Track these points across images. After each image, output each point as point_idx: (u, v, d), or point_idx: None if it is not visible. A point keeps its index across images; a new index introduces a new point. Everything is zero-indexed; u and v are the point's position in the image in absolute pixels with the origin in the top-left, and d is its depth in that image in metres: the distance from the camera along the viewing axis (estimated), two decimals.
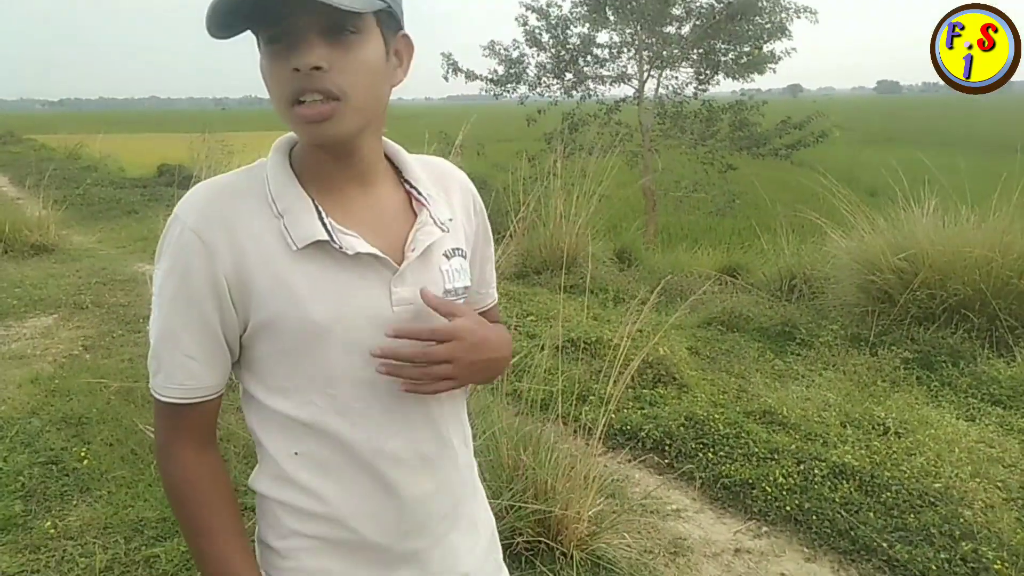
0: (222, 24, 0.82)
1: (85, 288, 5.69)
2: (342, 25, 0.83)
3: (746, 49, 10.73)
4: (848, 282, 5.17)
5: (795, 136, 11.19)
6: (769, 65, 10.62)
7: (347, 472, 0.94)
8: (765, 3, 10.45)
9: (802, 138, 11.10)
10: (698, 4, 11.04)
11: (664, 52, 11.19)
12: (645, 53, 11.26)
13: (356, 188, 0.94)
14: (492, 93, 11.29)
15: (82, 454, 3.08)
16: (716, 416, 3.44)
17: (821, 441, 3.30)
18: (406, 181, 0.99)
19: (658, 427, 3.32)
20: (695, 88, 11.46)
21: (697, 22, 11.04)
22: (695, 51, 11.14)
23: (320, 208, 0.89)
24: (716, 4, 10.88)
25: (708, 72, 11.19)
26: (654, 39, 10.98)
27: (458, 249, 1.00)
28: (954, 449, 3.26)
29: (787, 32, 10.42)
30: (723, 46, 10.96)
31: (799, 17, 10.43)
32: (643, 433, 3.30)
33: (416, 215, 0.97)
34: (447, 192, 1.02)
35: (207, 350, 0.90)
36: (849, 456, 3.08)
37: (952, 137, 27.93)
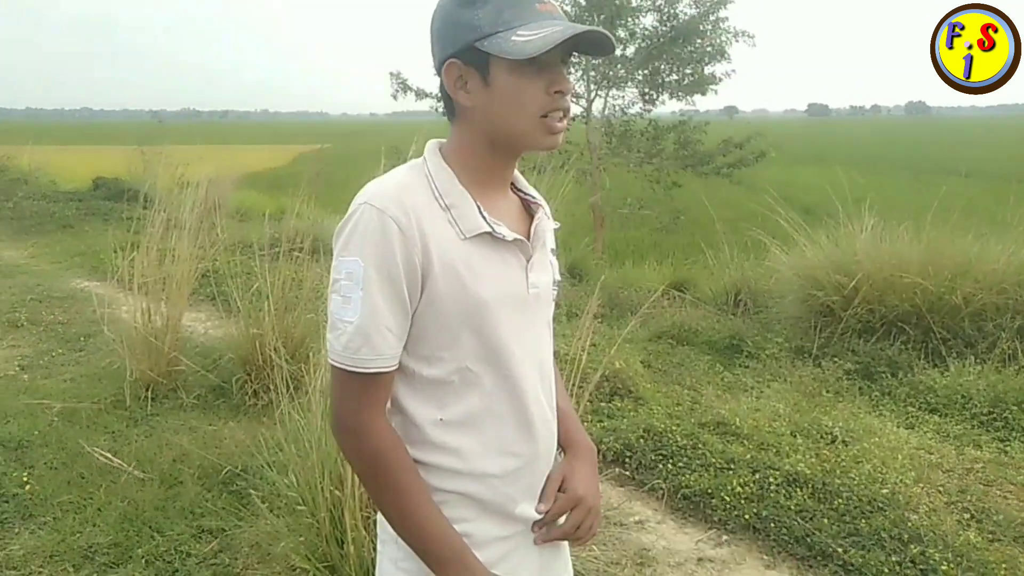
0: (542, 48, 0.99)
1: (19, 305, 5.43)
2: (568, 60, 1.06)
3: (688, 71, 11.06)
4: (791, 297, 5.36)
5: (736, 155, 11.56)
6: (711, 86, 10.98)
7: (491, 429, 1.09)
8: (706, 27, 10.80)
9: (742, 157, 11.48)
10: (642, 26, 11.35)
11: (610, 72, 11.43)
12: (592, 73, 11.48)
13: (500, 188, 1.13)
14: (442, 111, 11.26)
15: (23, 479, 2.93)
16: (673, 428, 3.51)
17: (774, 450, 3.40)
18: (519, 190, 1.19)
19: (618, 440, 3.37)
20: (641, 108, 11.73)
21: (642, 44, 11.32)
22: (640, 72, 11.42)
23: (478, 203, 1.06)
24: (660, 27, 11.19)
25: (653, 93, 11.48)
26: (600, 60, 11.22)
27: (554, 249, 1.22)
28: (897, 456, 3.40)
29: (726, 55, 10.81)
30: (666, 67, 11.27)
31: (737, 40, 10.85)
32: (604, 446, 3.34)
33: (529, 215, 1.17)
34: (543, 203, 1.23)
35: (400, 324, 1.03)
36: (801, 465, 3.19)
37: (876, 158, 29.32)
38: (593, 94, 11.64)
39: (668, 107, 11.91)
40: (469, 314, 1.04)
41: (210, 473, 2.96)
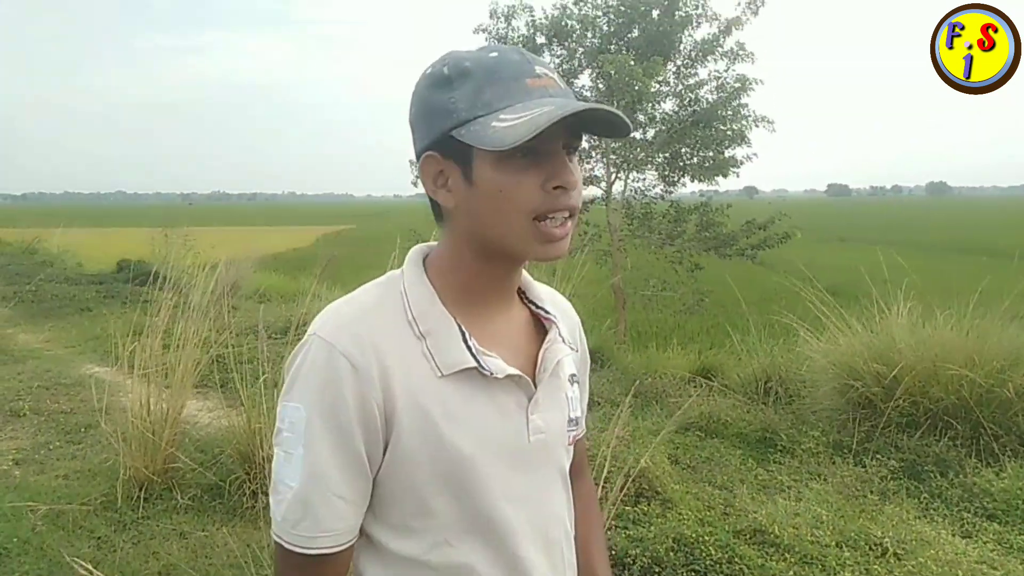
0: (526, 135, 0.77)
1: (25, 393, 5.29)
2: (575, 146, 0.84)
3: (709, 154, 11.09)
4: (826, 386, 5.07)
5: (760, 236, 11.43)
6: (732, 169, 10.97)
7: None
8: (726, 113, 10.88)
9: (766, 238, 11.34)
10: (662, 111, 11.48)
11: (630, 155, 11.48)
12: (612, 156, 11.54)
13: (498, 304, 0.91)
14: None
15: None
16: (705, 537, 3.20)
17: (819, 566, 3.08)
18: (530, 301, 0.96)
19: (645, 552, 3.06)
20: (662, 190, 11.73)
21: (661, 128, 11.42)
22: (660, 155, 11.47)
23: (464, 329, 0.85)
24: (680, 112, 11.31)
25: (674, 175, 11.50)
26: (620, 143, 11.30)
27: (574, 375, 0.98)
28: (957, 572, 3.07)
29: (746, 139, 10.83)
30: (687, 151, 11.32)
31: (757, 126, 10.89)
32: (629, 559, 3.03)
33: (542, 332, 0.94)
34: (562, 316, 1.00)
35: (357, 488, 0.82)
36: None
37: (901, 238, 29.08)
38: (613, 176, 11.67)
39: (689, 188, 11.91)
40: (447, 473, 0.83)
41: None
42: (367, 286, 0.90)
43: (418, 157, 0.87)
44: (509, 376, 0.86)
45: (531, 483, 0.88)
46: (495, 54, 0.83)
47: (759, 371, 5.91)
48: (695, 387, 6.11)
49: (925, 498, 3.94)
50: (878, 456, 4.32)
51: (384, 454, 0.82)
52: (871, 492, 3.97)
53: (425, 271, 0.89)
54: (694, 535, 3.20)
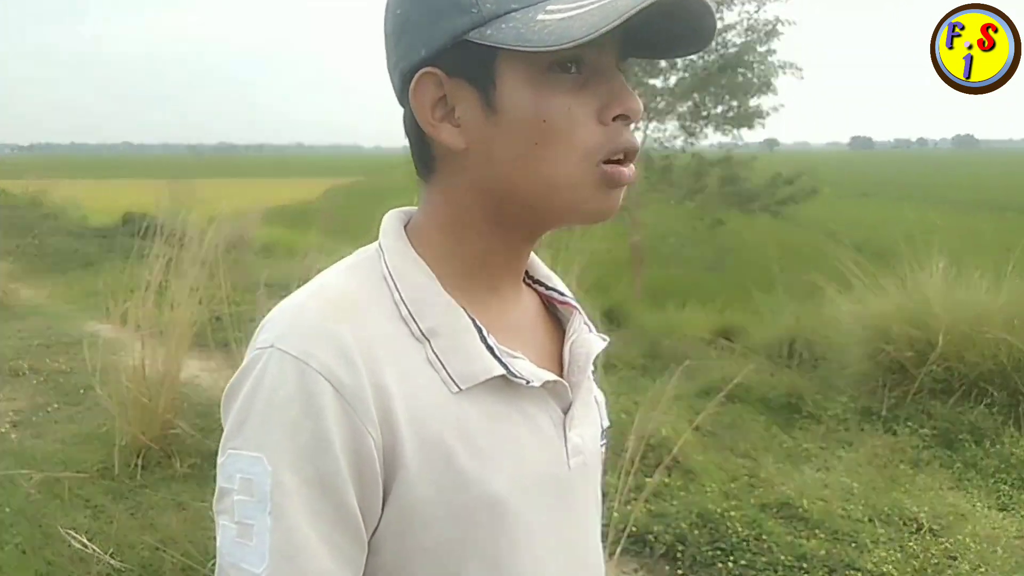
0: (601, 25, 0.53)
1: (24, 352, 5.16)
2: (623, 69, 0.62)
3: (734, 103, 10.61)
4: (855, 349, 4.85)
5: (785, 192, 11.04)
6: (758, 120, 10.51)
7: None
8: (753, 58, 10.37)
9: (792, 194, 10.95)
10: (686, 57, 10.96)
11: (650, 104, 11.05)
12: None
13: (509, 287, 0.67)
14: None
15: None
16: (731, 512, 3.04)
17: (851, 542, 2.92)
18: (537, 282, 0.73)
19: (668, 529, 2.90)
20: (684, 141, 11.29)
21: (684, 75, 10.94)
22: (682, 104, 11.02)
23: (478, 323, 0.61)
24: (705, 57, 10.81)
25: (696, 126, 11.04)
26: (639, 90, 10.84)
27: (595, 371, 0.73)
28: (996, 549, 2.92)
29: (772, 87, 10.36)
30: (711, 100, 10.83)
31: (784, 72, 10.40)
32: (651, 536, 2.87)
33: (556, 323, 0.72)
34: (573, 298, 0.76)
35: (350, 558, 0.55)
36: (888, 565, 2.71)
37: (928, 192, 28.33)
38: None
39: (707, 140, 11.45)
40: (474, 529, 0.58)
41: (193, 565, 2.56)
42: (333, 270, 0.64)
43: (403, 77, 0.61)
44: (545, 384, 0.63)
45: (570, 524, 0.66)
46: None
47: (783, 332, 5.70)
48: (716, 349, 5.92)
49: (959, 468, 3.78)
50: (909, 424, 4.14)
51: (384, 508, 0.57)
52: (902, 462, 3.80)
53: (411, 245, 0.64)
54: (719, 510, 3.04)
